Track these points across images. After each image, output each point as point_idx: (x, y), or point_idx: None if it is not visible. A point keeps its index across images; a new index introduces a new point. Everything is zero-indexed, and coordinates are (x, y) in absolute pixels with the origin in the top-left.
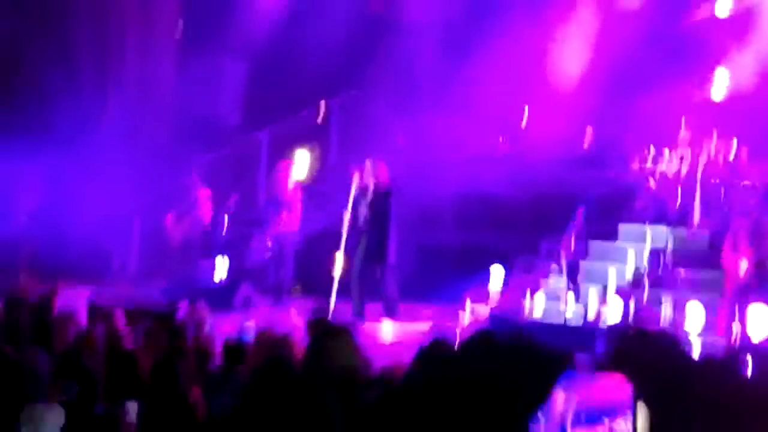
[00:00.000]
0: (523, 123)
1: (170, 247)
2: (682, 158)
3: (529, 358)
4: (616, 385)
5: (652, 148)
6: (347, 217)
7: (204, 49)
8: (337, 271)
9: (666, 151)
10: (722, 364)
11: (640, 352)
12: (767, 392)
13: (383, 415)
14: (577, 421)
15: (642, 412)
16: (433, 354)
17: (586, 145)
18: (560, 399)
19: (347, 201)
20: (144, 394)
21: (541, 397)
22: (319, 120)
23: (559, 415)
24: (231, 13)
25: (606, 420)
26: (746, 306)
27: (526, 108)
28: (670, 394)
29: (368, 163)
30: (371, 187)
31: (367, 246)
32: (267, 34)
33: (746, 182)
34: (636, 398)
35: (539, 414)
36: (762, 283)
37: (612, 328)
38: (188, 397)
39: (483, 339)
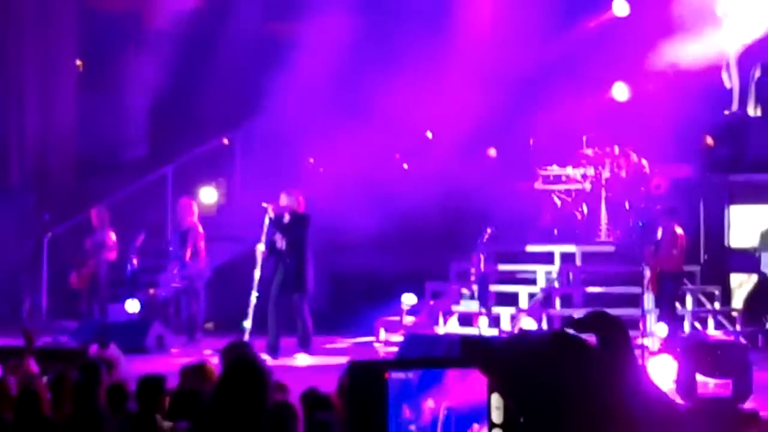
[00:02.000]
0: (428, 136)
1: (79, 287)
2: (585, 174)
3: None
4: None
5: (555, 166)
6: (261, 247)
7: (105, 83)
8: (252, 303)
9: (569, 168)
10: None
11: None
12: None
13: None
14: (447, 427)
15: (496, 403)
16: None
17: (487, 162)
18: (429, 404)
19: (257, 232)
20: None
21: None
22: (225, 142)
23: (429, 421)
24: (130, 48)
25: (475, 425)
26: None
27: (429, 133)
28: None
29: (284, 195)
30: (287, 217)
31: (284, 276)
32: (168, 65)
33: (653, 191)
34: (490, 391)
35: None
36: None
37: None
38: None
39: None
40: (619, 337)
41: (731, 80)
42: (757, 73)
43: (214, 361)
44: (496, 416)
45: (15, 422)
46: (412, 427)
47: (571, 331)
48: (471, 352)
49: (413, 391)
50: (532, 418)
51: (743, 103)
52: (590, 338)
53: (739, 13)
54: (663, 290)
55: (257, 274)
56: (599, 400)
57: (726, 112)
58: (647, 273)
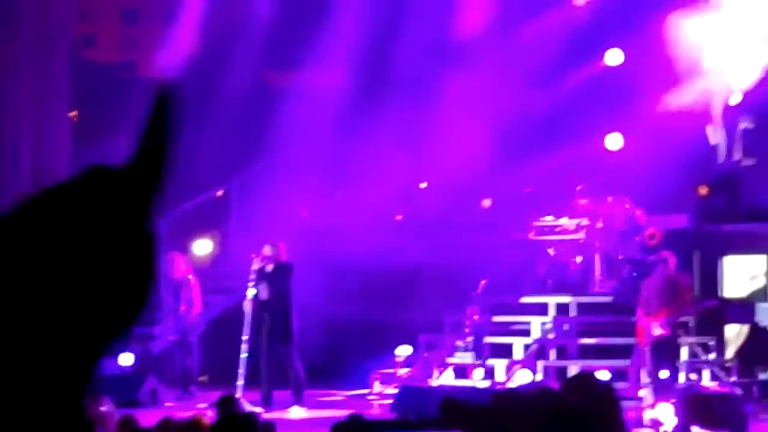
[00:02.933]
0: (422, 187)
1: None
2: (579, 224)
3: None
4: None
5: (549, 217)
6: (248, 299)
7: (99, 133)
8: (243, 356)
9: (564, 218)
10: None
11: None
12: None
13: None
14: None
15: None
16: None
17: (482, 213)
18: None
19: (248, 283)
20: None
21: None
22: (220, 194)
23: None
24: (124, 96)
25: None
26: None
27: (423, 183)
28: None
29: (267, 246)
30: (270, 267)
31: (270, 326)
32: None
33: (647, 241)
34: None
35: None
36: (671, 343)
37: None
38: None
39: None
40: (607, 404)
41: (717, 135)
42: (744, 125)
43: (209, 414)
44: None
45: None
46: None
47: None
48: (453, 413)
49: None
50: None
51: (730, 156)
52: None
53: (723, 67)
54: (670, 339)
55: (247, 325)
56: None
57: (702, 191)
58: (643, 324)
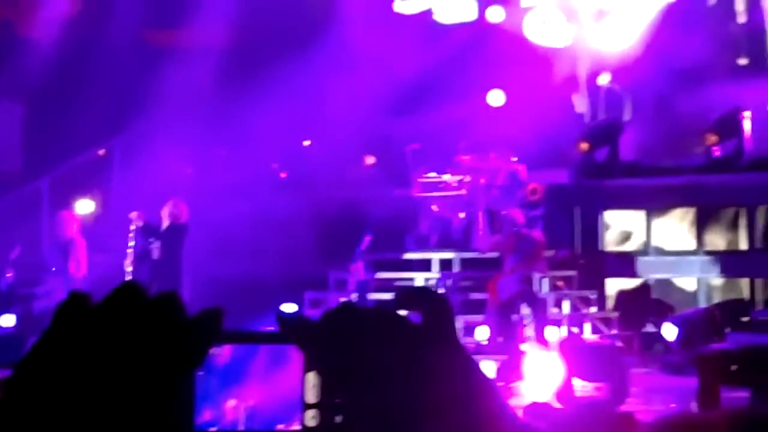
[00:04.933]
0: (305, 144)
1: None
2: (461, 180)
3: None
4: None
5: (432, 173)
6: (129, 258)
7: None
8: None
9: (447, 175)
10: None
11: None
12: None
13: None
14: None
15: (311, 382)
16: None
17: (365, 171)
18: (231, 404)
19: (128, 239)
20: None
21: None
22: (101, 153)
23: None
24: (3, 57)
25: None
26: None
27: (306, 141)
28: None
29: (168, 204)
30: (165, 225)
31: (159, 286)
32: (43, 74)
33: (529, 196)
34: (305, 369)
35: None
36: (529, 296)
37: None
38: None
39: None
40: (442, 315)
41: (582, 104)
42: (605, 80)
43: None
44: (312, 396)
45: None
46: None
47: (395, 306)
48: (288, 327)
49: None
50: (351, 395)
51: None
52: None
53: (589, 35)
54: (532, 294)
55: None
56: (422, 378)
57: (583, 147)
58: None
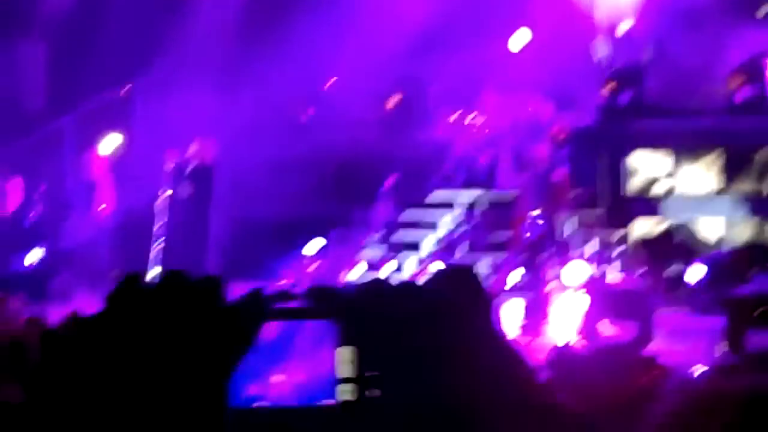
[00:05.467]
0: (329, 85)
1: None
2: (487, 120)
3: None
4: None
5: (457, 113)
6: (162, 197)
7: (8, 29)
8: (156, 252)
9: (473, 114)
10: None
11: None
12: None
13: None
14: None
15: (346, 357)
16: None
17: (390, 108)
18: (276, 379)
19: (158, 181)
20: None
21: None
22: (125, 92)
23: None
24: None
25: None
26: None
27: (331, 79)
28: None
29: (194, 145)
30: (192, 166)
31: (187, 223)
32: (64, 13)
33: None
34: (339, 344)
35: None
36: (549, 239)
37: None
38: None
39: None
40: (477, 295)
41: (603, 48)
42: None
43: None
44: (347, 371)
45: None
46: None
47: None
48: (321, 300)
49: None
50: (388, 369)
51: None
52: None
53: None
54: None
55: (160, 222)
56: (456, 355)
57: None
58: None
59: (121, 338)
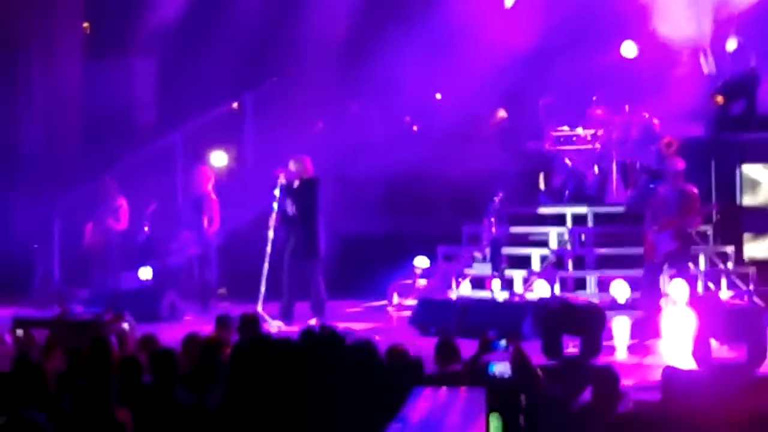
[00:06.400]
0: (438, 98)
1: (91, 255)
2: (595, 134)
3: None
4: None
5: (565, 127)
6: (274, 215)
7: (112, 47)
8: (265, 270)
9: (579, 128)
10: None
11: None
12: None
13: None
14: None
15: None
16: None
17: (497, 124)
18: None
19: (269, 197)
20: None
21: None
22: (235, 107)
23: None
24: (137, 10)
25: None
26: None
27: (438, 94)
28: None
29: (292, 161)
30: (296, 183)
31: (296, 242)
32: (175, 29)
33: (664, 150)
34: (489, 410)
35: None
36: (683, 254)
37: (539, 303)
38: (115, 417)
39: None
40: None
41: (709, 64)
42: (733, 44)
43: None
44: None
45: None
46: None
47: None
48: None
49: None
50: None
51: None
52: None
53: None
54: (686, 251)
55: (270, 241)
56: None
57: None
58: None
59: (272, 397)
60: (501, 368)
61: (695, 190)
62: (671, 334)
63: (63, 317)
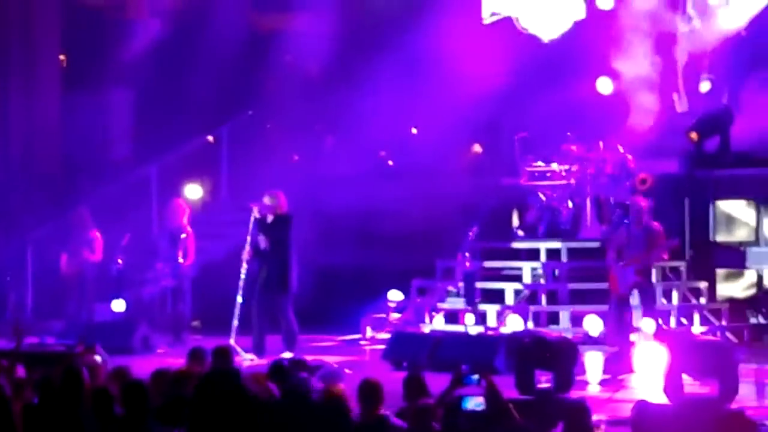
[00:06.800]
0: (413, 132)
1: (66, 286)
2: (569, 169)
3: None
4: None
5: (540, 162)
6: (247, 249)
7: (89, 80)
8: (238, 303)
9: (554, 164)
10: None
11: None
12: None
13: None
14: None
15: None
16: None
17: (472, 159)
18: None
19: (243, 230)
20: None
21: None
22: (210, 140)
23: None
24: (114, 43)
25: None
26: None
27: (414, 129)
28: None
29: (266, 196)
30: (270, 217)
31: (267, 276)
32: (152, 62)
33: (638, 186)
34: None
35: None
36: (647, 288)
37: (512, 337)
38: None
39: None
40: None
41: (682, 103)
42: (706, 86)
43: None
44: None
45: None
46: None
47: None
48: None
49: None
50: None
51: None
52: None
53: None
54: (649, 286)
55: (243, 274)
56: None
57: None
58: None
59: None
60: (474, 402)
61: (659, 227)
62: (643, 369)
63: (17, 350)
